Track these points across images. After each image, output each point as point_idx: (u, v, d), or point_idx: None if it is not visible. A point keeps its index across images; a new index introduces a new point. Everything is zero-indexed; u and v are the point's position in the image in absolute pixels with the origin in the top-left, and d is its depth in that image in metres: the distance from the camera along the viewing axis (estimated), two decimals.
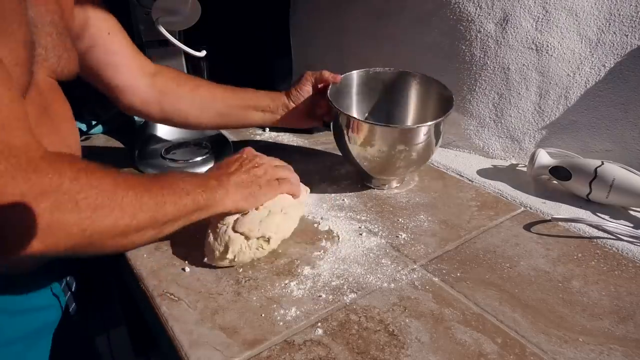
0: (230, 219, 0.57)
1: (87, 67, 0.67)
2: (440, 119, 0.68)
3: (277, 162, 0.65)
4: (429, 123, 0.67)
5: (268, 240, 0.57)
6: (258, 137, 0.99)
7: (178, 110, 0.76)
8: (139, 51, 0.74)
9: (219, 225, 0.57)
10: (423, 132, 0.67)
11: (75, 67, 0.59)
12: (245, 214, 0.58)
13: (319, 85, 0.78)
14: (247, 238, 0.56)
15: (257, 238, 0.57)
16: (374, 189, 0.77)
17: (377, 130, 0.68)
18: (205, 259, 0.57)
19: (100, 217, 0.45)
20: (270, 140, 0.97)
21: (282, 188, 0.61)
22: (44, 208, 0.40)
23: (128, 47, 0.72)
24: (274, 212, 0.59)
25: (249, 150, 0.65)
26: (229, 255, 0.55)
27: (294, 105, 0.79)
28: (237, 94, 0.79)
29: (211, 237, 0.57)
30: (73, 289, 0.66)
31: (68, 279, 0.65)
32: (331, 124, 0.75)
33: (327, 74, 0.77)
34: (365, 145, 0.69)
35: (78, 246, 0.45)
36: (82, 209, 0.43)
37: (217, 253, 0.56)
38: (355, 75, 0.81)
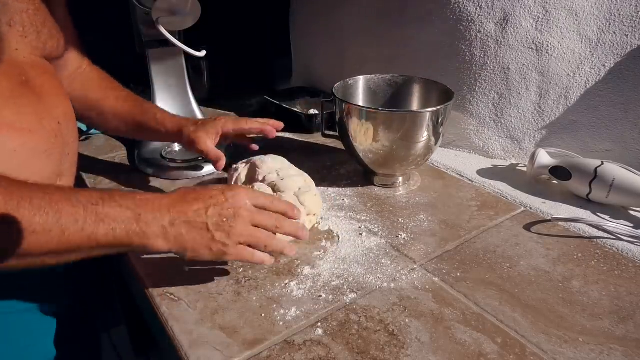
0: (288, 196, 0.60)
1: None
2: (442, 106, 0.69)
3: (265, 216, 0.51)
4: (432, 108, 0.68)
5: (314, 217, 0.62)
6: (258, 137, 0.98)
7: (84, 116, 0.75)
8: (75, 41, 0.70)
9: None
10: (426, 119, 0.68)
11: (59, 44, 0.59)
12: (280, 193, 0.61)
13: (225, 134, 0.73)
14: (308, 213, 0.60)
15: (308, 215, 0.61)
16: (378, 187, 0.77)
17: (382, 116, 0.69)
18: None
19: None
20: (270, 140, 0.97)
21: (234, 253, 0.49)
22: None
23: (67, 35, 0.68)
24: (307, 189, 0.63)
25: (243, 195, 0.50)
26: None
27: (186, 143, 0.72)
28: (141, 113, 0.74)
29: None
30: (75, 286, 0.66)
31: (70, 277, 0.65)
32: (336, 119, 0.76)
33: (246, 126, 0.73)
34: (370, 134, 0.70)
35: None
36: None
37: None
38: (361, 80, 0.83)
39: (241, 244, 0.49)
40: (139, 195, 0.46)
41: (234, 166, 0.70)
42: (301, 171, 0.67)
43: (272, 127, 0.74)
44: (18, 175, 0.42)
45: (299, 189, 0.63)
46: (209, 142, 0.70)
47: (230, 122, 0.73)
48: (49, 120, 0.55)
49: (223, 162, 0.70)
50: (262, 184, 0.63)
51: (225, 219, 0.48)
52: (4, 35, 0.49)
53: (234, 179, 0.67)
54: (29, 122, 0.52)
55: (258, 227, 0.50)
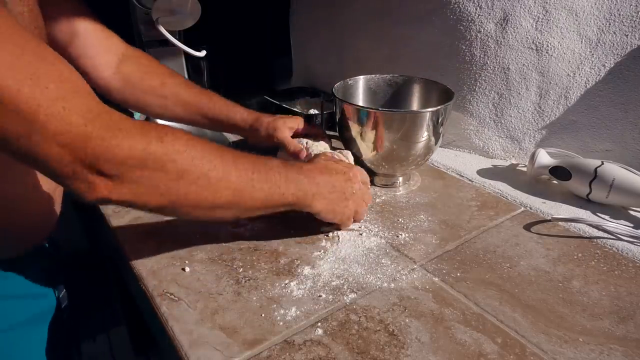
0: None
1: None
2: (442, 106, 0.69)
3: (365, 177, 0.65)
4: (432, 108, 0.68)
5: None
6: None
7: (139, 101, 0.74)
8: (108, 32, 0.72)
9: None
10: (426, 119, 0.68)
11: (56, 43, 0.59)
12: None
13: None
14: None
15: None
16: (378, 187, 0.77)
17: (382, 116, 0.69)
18: None
19: (185, 184, 0.45)
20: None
21: (358, 217, 0.63)
22: (132, 165, 0.42)
23: (92, 26, 0.69)
24: None
25: (347, 164, 0.64)
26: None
27: (264, 131, 0.77)
28: (206, 100, 0.75)
29: None
30: (66, 282, 0.66)
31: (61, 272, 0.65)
32: (336, 119, 0.76)
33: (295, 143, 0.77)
34: (369, 134, 0.70)
35: (165, 208, 0.47)
36: (169, 171, 0.44)
37: None
38: (361, 80, 0.83)
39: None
40: (304, 165, 0.59)
41: (305, 143, 0.76)
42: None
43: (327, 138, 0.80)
44: (35, 175, 0.46)
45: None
46: (287, 133, 0.75)
47: (302, 123, 0.78)
48: None
49: (304, 153, 0.75)
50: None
51: (355, 191, 0.61)
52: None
53: (310, 151, 0.75)
54: None
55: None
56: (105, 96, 0.73)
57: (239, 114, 0.76)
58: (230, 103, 0.76)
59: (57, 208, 0.60)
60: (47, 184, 0.56)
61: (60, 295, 0.64)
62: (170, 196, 0.45)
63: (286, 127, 0.76)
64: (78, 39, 0.66)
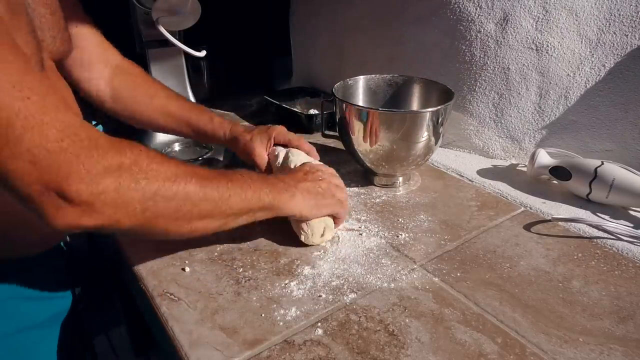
0: None
1: None
2: (442, 106, 0.69)
3: (338, 180, 0.65)
4: (432, 108, 0.68)
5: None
6: None
7: (129, 113, 0.75)
8: (106, 44, 0.72)
9: None
10: (426, 119, 0.68)
11: (69, 47, 0.59)
12: None
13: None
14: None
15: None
16: (378, 187, 0.77)
17: (382, 116, 0.69)
18: (302, 237, 0.60)
19: (162, 200, 0.45)
20: None
21: (337, 209, 0.62)
22: (107, 184, 0.41)
23: (91, 38, 0.69)
24: None
25: (311, 165, 0.65)
26: (327, 235, 0.61)
27: (241, 151, 0.75)
28: (193, 114, 0.75)
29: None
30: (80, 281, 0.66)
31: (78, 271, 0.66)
32: (336, 119, 0.76)
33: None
34: (369, 134, 0.70)
35: (140, 227, 0.45)
36: (143, 189, 0.43)
37: (316, 231, 0.60)
38: (361, 80, 0.83)
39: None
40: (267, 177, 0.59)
41: (275, 150, 0.73)
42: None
43: (316, 154, 0.75)
44: None
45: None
46: (263, 153, 0.73)
47: (280, 136, 0.74)
48: None
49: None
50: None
51: (326, 186, 0.62)
52: (41, 45, 0.49)
53: (278, 159, 0.71)
54: None
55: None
56: (97, 107, 0.73)
57: (222, 129, 0.74)
58: (217, 118, 0.75)
59: None
60: None
61: (77, 295, 0.64)
62: (146, 214, 0.44)
63: (263, 146, 0.73)
64: (76, 50, 0.66)
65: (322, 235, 0.61)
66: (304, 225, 0.60)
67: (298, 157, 0.69)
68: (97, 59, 0.70)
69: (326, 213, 0.60)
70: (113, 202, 0.41)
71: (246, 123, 1.06)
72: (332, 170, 0.65)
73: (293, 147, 0.73)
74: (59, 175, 0.38)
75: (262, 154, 0.72)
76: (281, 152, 0.71)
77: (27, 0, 0.48)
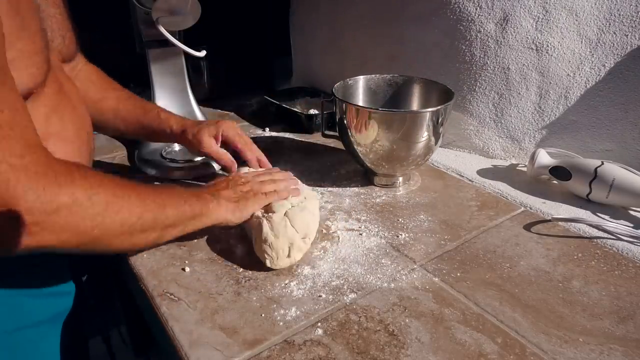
0: (277, 216, 0.58)
1: None
2: (442, 106, 0.69)
3: (265, 177, 0.66)
4: (432, 108, 0.68)
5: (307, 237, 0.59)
6: (258, 136, 0.99)
7: None
8: (71, 39, 0.69)
9: (273, 221, 0.57)
10: (426, 119, 0.68)
11: (76, 47, 0.59)
12: (271, 213, 0.59)
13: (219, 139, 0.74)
14: (303, 236, 0.58)
15: (303, 237, 0.58)
16: (378, 187, 0.77)
17: (382, 116, 0.69)
18: (267, 262, 0.56)
19: (111, 214, 0.47)
20: (270, 140, 0.97)
21: (270, 198, 0.62)
22: (60, 203, 0.42)
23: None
24: (302, 208, 0.61)
25: (236, 173, 0.67)
26: (296, 255, 0.57)
27: (190, 144, 0.74)
28: (140, 113, 0.74)
29: (270, 237, 0.56)
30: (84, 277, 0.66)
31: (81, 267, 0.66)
32: (336, 119, 0.76)
33: (233, 137, 0.73)
34: (370, 134, 0.70)
35: (87, 243, 0.46)
36: (95, 205, 0.45)
37: (281, 253, 0.56)
38: (361, 80, 0.83)
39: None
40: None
41: (242, 171, 0.71)
42: (305, 186, 0.69)
43: (257, 165, 0.73)
44: None
45: (292, 206, 0.61)
46: (213, 144, 0.71)
47: (231, 133, 0.72)
48: (82, 130, 0.56)
49: (235, 166, 0.72)
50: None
51: (240, 184, 0.62)
52: (48, 45, 0.50)
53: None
54: (70, 133, 0.54)
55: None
56: None
57: (169, 126, 0.73)
58: (164, 114, 0.74)
59: None
60: None
61: (80, 293, 0.64)
62: (94, 231, 0.46)
63: (209, 137, 0.71)
64: None
65: (289, 256, 0.56)
66: (266, 248, 0.56)
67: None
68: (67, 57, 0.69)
69: (252, 210, 0.60)
70: (65, 221, 0.43)
71: (246, 123, 1.07)
72: (265, 171, 0.66)
73: (237, 149, 0.73)
74: (16, 191, 0.39)
75: (210, 144, 0.71)
76: (244, 170, 0.71)
77: (38, 1, 0.49)
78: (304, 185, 0.69)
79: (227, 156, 0.72)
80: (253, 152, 0.73)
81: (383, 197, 0.74)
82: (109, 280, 0.80)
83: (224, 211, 0.58)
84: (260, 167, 0.73)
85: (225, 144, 0.73)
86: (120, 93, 0.75)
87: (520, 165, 0.83)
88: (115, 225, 0.47)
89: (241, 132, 0.74)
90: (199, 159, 0.83)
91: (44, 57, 0.47)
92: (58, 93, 0.52)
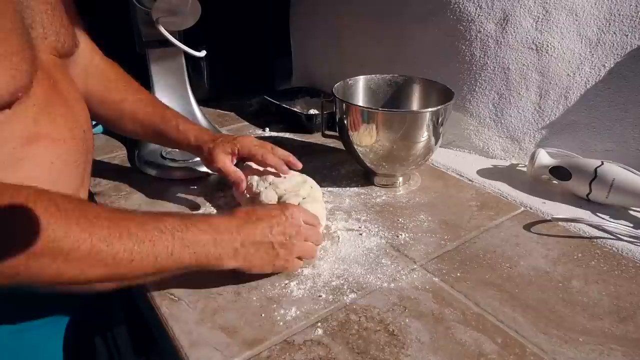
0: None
1: None
2: (442, 106, 0.69)
3: (313, 219, 0.58)
4: (432, 108, 0.68)
5: None
6: (258, 137, 0.98)
7: (98, 114, 0.72)
8: (86, 38, 0.68)
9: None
10: (426, 119, 0.68)
11: (74, 42, 0.58)
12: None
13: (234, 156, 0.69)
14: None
15: None
16: (378, 187, 0.77)
17: (382, 116, 0.69)
18: None
19: (37, 265, 0.38)
20: (270, 140, 0.97)
21: (291, 267, 0.55)
22: None
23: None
24: (312, 199, 0.62)
25: (299, 214, 0.55)
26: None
27: (205, 160, 0.71)
28: (159, 121, 0.71)
29: None
30: None
31: None
32: (336, 119, 0.76)
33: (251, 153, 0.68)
34: (370, 134, 0.70)
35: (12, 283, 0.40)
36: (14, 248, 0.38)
37: None
38: (361, 80, 0.83)
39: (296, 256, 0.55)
40: (213, 219, 0.51)
41: (249, 179, 0.68)
42: (307, 178, 0.68)
43: (286, 168, 0.67)
44: (52, 188, 0.43)
45: (303, 198, 0.63)
46: (227, 162, 0.68)
47: (248, 147, 0.68)
48: (77, 129, 0.54)
49: (244, 185, 0.67)
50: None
51: (288, 238, 0.53)
52: (33, 41, 0.49)
53: (262, 196, 0.64)
54: (63, 132, 0.52)
55: (307, 240, 0.55)
56: None
57: (186, 139, 0.71)
58: (183, 126, 0.71)
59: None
60: (74, 174, 0.55)
61: (85, 294, 0.64)
62: (16, 277, 0.38)
63: (226, 155, 0.68)
64: None
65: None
66: None
67: (267, 194, 0.63)
68: (74, 57, 0.65)
69: (279, 267, 0.54)
70: None
71: (246, 123, 1.06)
72: (297, 211, 0.55)
73: (256, 163, 0.69)
74: None
75: (223, 161, 0.67)
76: (253, 180, 0.67)
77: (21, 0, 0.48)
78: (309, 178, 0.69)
79: (236, 174, 0.67)
80: (275, 156, 0.68)
81: (383, 197, 0.74)
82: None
83: (234, 263, 0.50)
84: (290, 167, 0.68)
85: (245, 159, 0.70)
86: (140, 96, 0.73)
87: (520, 165, 0.83)
88: (45, 277, 0.40)
89: (260, 142, 0.70)
90: (198, 158, 0.83)
91: (24, 56, 0.45)
92: (49, 92, 0.51)
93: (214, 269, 0.50)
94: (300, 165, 0.69)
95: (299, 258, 0.55)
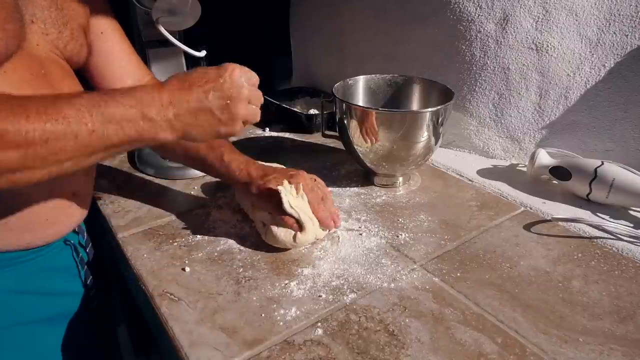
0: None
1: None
2: (442, 106, 0.69)
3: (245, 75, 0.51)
4: (432, 108, 0.68)
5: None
6: (258, 136, 0.99)
7: None
8: (135, 58, 0.67)
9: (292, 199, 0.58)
10: (426, 119, 0.68)
11: (82, 50, 0.58)
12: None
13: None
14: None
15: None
16: (378, 187, 0.77)
17: (382, 116, 0.69)
18: (289, 240, 0.59)
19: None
20: (270, 140, 0.97)
21: (238, 131, 0.50)
22: None
23: (121, 51, 0.65)
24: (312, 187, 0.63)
25: (239, 73, 0.50)
26: (317, 231, 0.60)
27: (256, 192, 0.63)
28: (204, 153, 0.66)
29: (294, 213, 0.58)
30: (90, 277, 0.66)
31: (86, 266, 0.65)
32: (336, 119, 0.76)
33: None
34: (370, 134, 0.70)
35: None
36: None
37: (310, 225, 0.58)
38: (361, 80, 0.83)
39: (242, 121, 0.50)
40: (138, 91, 0.45)
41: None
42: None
43: (332, 224, 0.62)
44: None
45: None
46: (286, 206, 0.59)
47: (304, 187, 0.62)
48: None
49: (296, 226, 0.60)
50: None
51: (228, 101, 0.47)
52: (26, 28, 0.49)
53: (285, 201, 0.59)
54: None
55: (251, 103, 0.51)
56: None
57: (232, 172, 0.64)
58: (228, 156, 0.65)
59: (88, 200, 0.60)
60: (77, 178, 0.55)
61: (88, 294, 0.64)
62: None
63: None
64: (99, 56, 0.62)
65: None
66: (273, 228, 0.58)
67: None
68: (119, 74, 0.64)
69: (223, 133, 0.49)
70: None
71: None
72: (238, 70, 0.50)
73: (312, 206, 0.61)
74: None
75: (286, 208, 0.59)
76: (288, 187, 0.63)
77: None
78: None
79: (293, 224, 0.59)
80: (326, 212, 0.62)
81: (383, 197, 0.74)
82: (109, 281, 0.81)
83: (170, 136, 0.46)
84: (335, 225, 0.63)
85: None
86: None
87: (520, 165, 0.83)
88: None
89: (316, 185, 0.64)
90: None
91: (4, 27, 0.43)
92: (38, 77, 0.50)
93: (151, 143, 0.46)
94: (340, 224, 0.65)
95: (244, 123, 0.50)
